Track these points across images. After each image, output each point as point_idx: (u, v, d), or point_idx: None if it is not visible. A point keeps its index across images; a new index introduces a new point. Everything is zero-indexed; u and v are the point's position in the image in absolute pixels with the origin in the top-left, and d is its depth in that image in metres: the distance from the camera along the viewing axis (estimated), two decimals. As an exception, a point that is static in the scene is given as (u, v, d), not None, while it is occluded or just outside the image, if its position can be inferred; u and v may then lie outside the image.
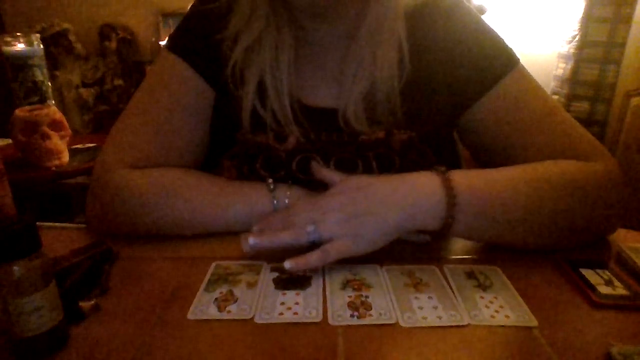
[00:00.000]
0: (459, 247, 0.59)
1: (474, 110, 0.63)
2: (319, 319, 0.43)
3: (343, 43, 0.63)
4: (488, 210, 0.52)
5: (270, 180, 0.61)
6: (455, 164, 0.71)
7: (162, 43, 2.38)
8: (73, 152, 1.49)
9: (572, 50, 1.88)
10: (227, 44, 0.62)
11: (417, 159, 0.63)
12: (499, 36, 0.64)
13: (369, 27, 0.59)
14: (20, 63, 1.55)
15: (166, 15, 2.46)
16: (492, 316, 0.44)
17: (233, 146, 0.65)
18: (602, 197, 0.56)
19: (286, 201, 0.59)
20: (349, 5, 0.60)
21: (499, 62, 0.62)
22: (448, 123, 0.66)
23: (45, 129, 1.34)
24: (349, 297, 0.46)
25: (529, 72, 0.63)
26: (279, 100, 0.61)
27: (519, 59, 0.63)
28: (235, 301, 0.46)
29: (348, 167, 0.63)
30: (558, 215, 0.53)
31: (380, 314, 0.44)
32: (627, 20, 1.76)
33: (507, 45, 0.64)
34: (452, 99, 0.63)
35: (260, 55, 0.61)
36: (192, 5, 0.67)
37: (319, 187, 0.62)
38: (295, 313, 0.44)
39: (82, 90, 2.34)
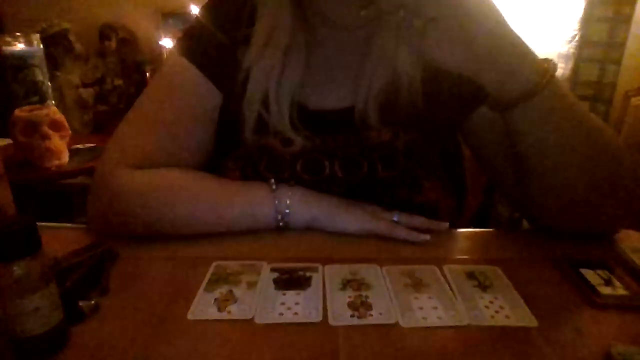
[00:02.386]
0: (459, 247, 0.59)
1: (482, 111, 0.63)
2: (319, 319, 0.43)
3: (360, 46, 0.63)
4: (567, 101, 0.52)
5: (273, 180, 0.61)
6: (459, 165, 0.71)
7: (162, 43, 2.38)
8: (73, 152, 1.49)
9: (572, 50, 1.88)
10: (241, 50, 0.62)
11: (420, 160, 0.63)
12: None
13: (389, 33, 0.59)
14: (20, 63, 1.55)
15: (166, 15, 2.46)
16: (492, 316, 0.44)
17: (237, 148, 0.65)
18: (629, 180, 0.56)
19: (287, 201, 0.59)
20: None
21: None
22: (455, 124, 0.66)
23: (45, 129, 1.34)
24: (349, 297, 0.46)
25: None
26: (280, 112, 0.61)
27: None
28: (235, 301, 0.46)
29: (353, 169, 0.63)
30: (596, 163, 0.53)
31: (380, 314, 0.44)
32: (627, 20, 1.77)
33: None
34: (461, 100, 0.63)
35: (269, 66, 0.61)
36: (202, 6, 0.67)
37: (321, 188, 0.62)
38: (295, 313, 0.44)
39: (82, 90, 2.34)
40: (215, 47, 0.64)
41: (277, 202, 0.59)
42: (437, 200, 0.65)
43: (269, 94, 0.61)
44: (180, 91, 0.64)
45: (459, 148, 0.71)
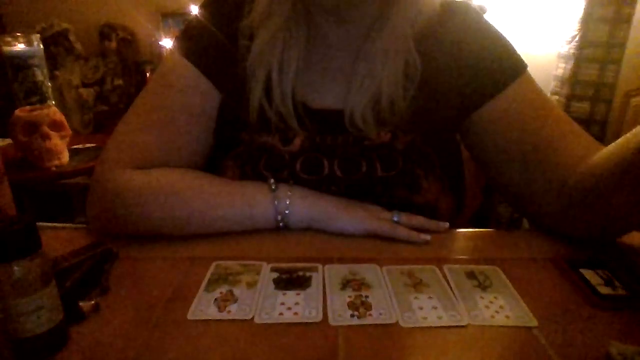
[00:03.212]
0: (459, 247, 0.59)
1: (481, 112, 0.63)
2: (319, 319, 0.43)
3: (356, 44, 0.63)
4: None
5: (272, 180, 0.61)
6: (458, 166, 0.71)
7: (162, 43, 2.37)
8: (73, 152, 1.49)
9: (572, 50, 1.87)
10: (242, 42, 0.62)
11: (419, 160, 0.63)
12: (508, 41, 0.64)
13: (387, 30, 0.59)
14: (20, 63, 1.55)
15: (166, 15, 2.45)
16: (492, 316, 0.44)
17: (237, 147, 0.65)
18: None
19: (287, 202, 0.59)
20: (370, 6, 0.60)
21: (508, 66, 0.63)
22: (454, 125, 0.67)
23: (45, 129, 1.34)
24: (349, 297, 0.46)
25: (533, 77, 0.64)
26: (284, 102, 0.61)
27: (526, 65, 0.63)
28: (235, 301, 0.46)
29: (352, 168, 0.63)
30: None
31: (380, 314, 0.44)
32: (627, 20, 1.76)
33: (515, 50, 0.64)
34: (460, 101, 0.63)
35: (270, 55, 0.61)
36: (201, 5, 0.67)
37: (320, 188, 0.62)
38: (295, 313, 0.44)
39: (82, 90, 2.34)
40: (214, 45, 0.64)
41: (276, 202, 0.59)
42: (436, 200, 0.65)
43: (272, 82, 0.61)
44: (178, 91, 0.64)
45: (458, 149, 0.71)
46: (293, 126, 0.62)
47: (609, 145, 0.54)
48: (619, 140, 0.52)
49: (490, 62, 0.62)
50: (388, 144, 0.62)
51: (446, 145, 0.67)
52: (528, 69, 0.63)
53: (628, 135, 0.51)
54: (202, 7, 0.67)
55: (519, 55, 0.64)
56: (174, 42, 0.67)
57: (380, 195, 0.63)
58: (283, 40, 0.61)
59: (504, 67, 0.63)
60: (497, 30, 0.65)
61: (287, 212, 0.59)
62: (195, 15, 0.67)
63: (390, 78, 0.60)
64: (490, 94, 0.62)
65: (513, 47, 0.64)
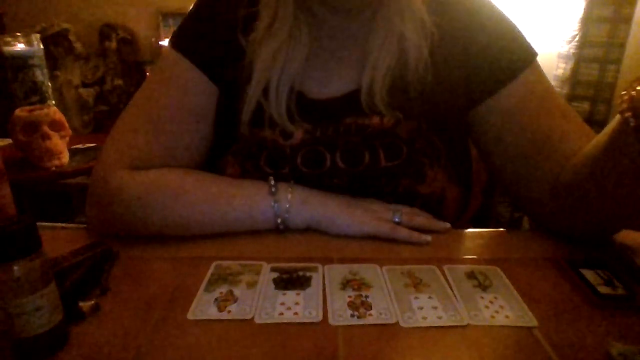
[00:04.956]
0: (458, 247, 0.59)
1: (491, 101, 0.62)
2: (319, 319, 0.43)
3: (361, 32, 0.62)
4: None
5: (273, 182, 0.60)
6: (465, 155, 0.70)
7: (162, 43, 2.38)
8: (73, 152, 1.49)
9: (572, 50, 1.87)
10: (242, 35, 0.62)
11: (424, 149, 0.62)
12: (518, 28, 0.64)
13: (395, 8, 0.59)
14: (20, 63, 1.55)
15: (166, 15, 2.46)
16: (492, 316, 0.44)
17: (237, 142, 0.64)
18: None
19: (287, 205, 0.59)
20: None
21: (520, 54, 0.62)
22: (460, 113, 0.65)
23: (45, 129, 1.34)
24: (349, 297, 0.46)
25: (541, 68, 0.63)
26: (277, 101, 0.61)
27: (537, 53, 0.63)
28: (235, 301, 0.46)
29: (355, 159, 0.62)
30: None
31: (380, 314, 0.44)
32: (627, 20, 1.76)
33: (525, 37, 0.63)
34: (469, 89, 0.63)
35: (272, 67, 0.60)
36: (196, 2, 0.67)
37: (323, 181, 0.62)
38: (296, 313, 0.44)
39: (82, 90, 2.34)
40: (211, 39, 0.63)
41: (276, 205, 0.59)
42: (442, 190, 0.64)
43: (271, 81, 0.60)
44: (175, 87, 0.63)
45: (465, 137, 0.70)
46: (285, 124, 0.61)
47: (588, 145, 0.54)
48: (593, 141, 0.52)
49: (503, 49, 0.61)
50: (391, 130, 0.61)
51: (452, 134, 0.66)
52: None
53: (599, 135, 0.51)
54: (198, 1, 0.66)
55: (529, 43, 0.63)
56: (171, 37, 0.66)
57: (385, 186, 0.62)
58: (287, 51, 0.60)
59: (518, 53, 0.62)
60: (506, 17, 0.64)
61: (286, 215, 0.59)
62: (191, 9, 0.66)
63: (412, 27, 0.59)
64: (504, 80, 0.61)
65: (522, 34, 0.63)
